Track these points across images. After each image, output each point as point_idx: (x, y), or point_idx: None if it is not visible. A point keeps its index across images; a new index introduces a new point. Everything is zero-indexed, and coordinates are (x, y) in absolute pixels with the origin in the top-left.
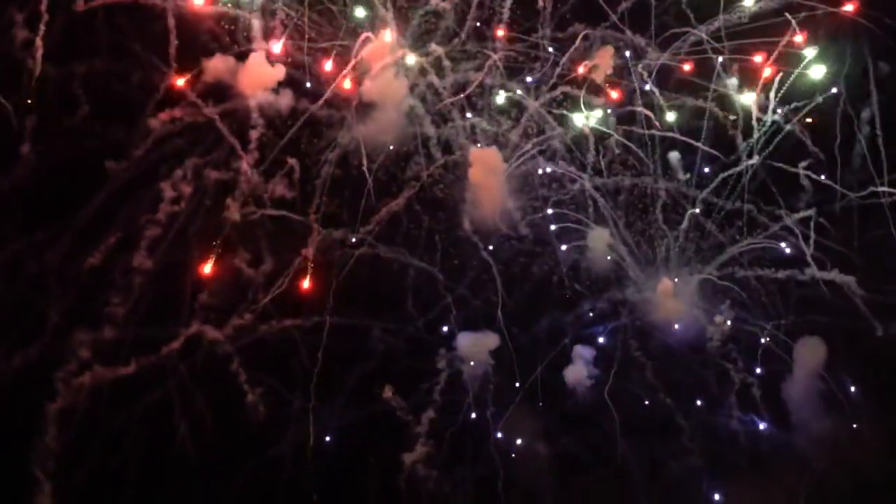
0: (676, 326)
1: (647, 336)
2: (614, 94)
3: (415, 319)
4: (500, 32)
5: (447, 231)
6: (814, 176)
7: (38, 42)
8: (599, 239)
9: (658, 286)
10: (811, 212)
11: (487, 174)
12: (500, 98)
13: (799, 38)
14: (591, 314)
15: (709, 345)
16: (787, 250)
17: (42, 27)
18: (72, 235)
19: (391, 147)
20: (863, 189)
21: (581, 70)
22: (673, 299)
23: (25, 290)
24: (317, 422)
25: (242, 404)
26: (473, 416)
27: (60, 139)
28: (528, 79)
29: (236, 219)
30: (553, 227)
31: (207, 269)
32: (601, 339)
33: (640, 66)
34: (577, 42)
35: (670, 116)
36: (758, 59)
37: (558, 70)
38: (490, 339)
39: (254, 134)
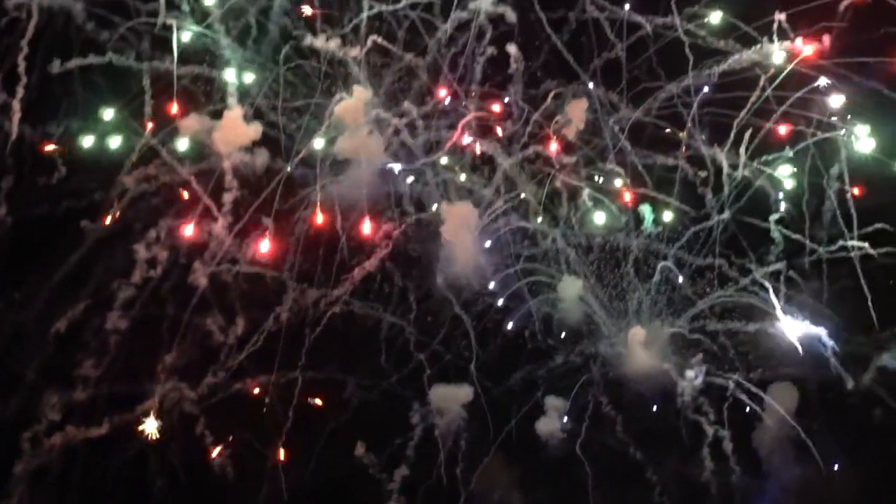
0: (648, 379)
1: (620, 388)
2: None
3: (388, 374)
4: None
5: (420, 287)
6: (784, 231)
7: (16, 105)
8: (571, 287)
9: (629, 333)
10: (781, 265)
11: (460, 230)
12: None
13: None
14: (563, 366)
15: (680, 399)
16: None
17: (20, 89)
18: (46, 295)
19: (364, 205)
20: (832, 243)
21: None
22: (644, 349)
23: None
24: (289, 479)
25: (215, 462)
26: (446, 470)
27: (36, 200)
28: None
29: (202, 283)
30: (524, 281)
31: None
32: (573, 392)
33: (611, 121)
34: (548, 100)
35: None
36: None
37: (529, 128)
38: (463, 392)
39: (228, 196)
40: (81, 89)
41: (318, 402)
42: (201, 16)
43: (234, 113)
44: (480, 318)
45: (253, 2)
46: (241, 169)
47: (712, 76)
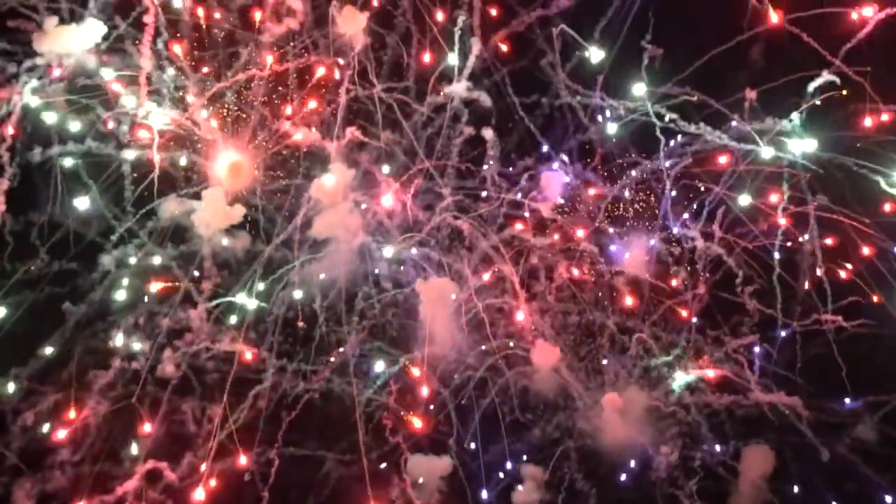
0: (623, 450)
1: (597, 459)
2: None
3: (368, 450)
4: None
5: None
6: (757, 305)
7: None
8: (546, 356)
9: (605, 399)
10: (755, 338)
11: (438, 306)
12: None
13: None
14: (541, 438)
15: (654, 473)
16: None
17: (3, 181)
18: (28, 379)
19: (341, 284)
20: (806, 317)
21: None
22: (620, 417)
23: None
24: None
25: None
26: None
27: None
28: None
29: (172, 374)
30: (499, 355)
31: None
32: (551, 463)
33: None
34: (523, 180)
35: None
36: None
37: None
38: (442, 464)
39: (206, 285)
40: (62, 176)
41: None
42: (181, 101)
43: (216, 194)
44: (458, 392)
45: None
46: (220, 253)
47: (684, 156)
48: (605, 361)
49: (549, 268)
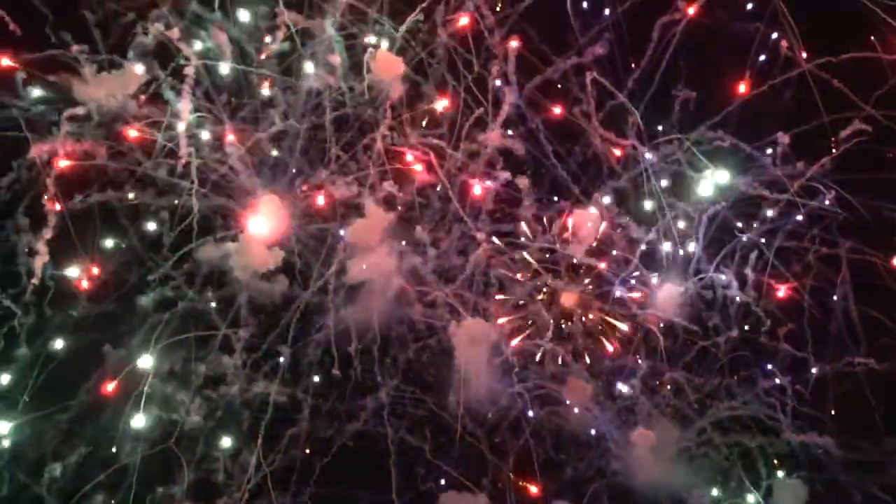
0: (656, 489)
1: (628, 497)
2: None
3: (402, 492)
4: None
5: (433, 407)
6: (790, 347)
7: (42, 247)
8: (577, 392)
9: (636, 434)
10: (787, 380)
11: (472, 347)
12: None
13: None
14: (574, 475)
15: None
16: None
17: (47, 232)
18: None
19: (377, 329)
20: (838, 359)
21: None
22: (651, 454)
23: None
24: None
25: None
26: None
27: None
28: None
29: (196, 423)
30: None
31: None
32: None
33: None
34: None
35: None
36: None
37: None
38: (479, 501)
39: (244, 333)
40: (101, 224)
41: None
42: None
43: (254, 238)
44: (491, 433)
45: (271, 136)
46: (257, 298)
47: (719, 204)
48: (637, 401)
49: (582, 309)
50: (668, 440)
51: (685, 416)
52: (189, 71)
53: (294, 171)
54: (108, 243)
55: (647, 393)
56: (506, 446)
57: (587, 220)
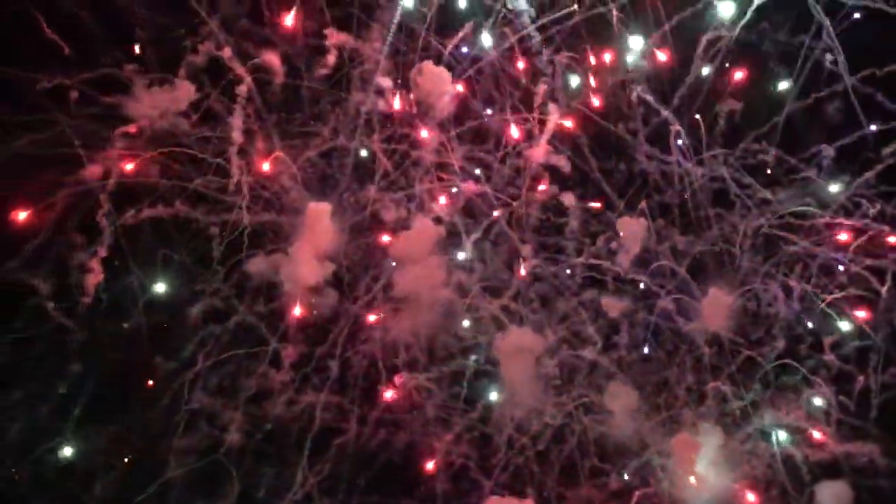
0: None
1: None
2: None
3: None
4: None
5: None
6: (835, 359)
7: (95, 265)
8: (620, 398)
9: (677, 439)
10: (832, 390)
11: (518, 358)
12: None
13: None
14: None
15: None
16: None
17: (101, 250)
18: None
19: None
20: (884, 371)
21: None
22: (694, 461)
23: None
24: None
25: None
26: None
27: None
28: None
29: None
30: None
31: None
32: None
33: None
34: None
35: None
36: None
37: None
38: None
39: (292, 350)
40: (153, 238)
41: None
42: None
43: (304, 251)
44: (535, 441)
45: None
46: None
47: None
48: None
49: (629, 317)
50: (711, 446)
51: (729, 424)
52: (241, 90)
53: (343, 186)
54: (160, 257)
55: (691, 402)
56: (550, 455)
57: (633, 231)
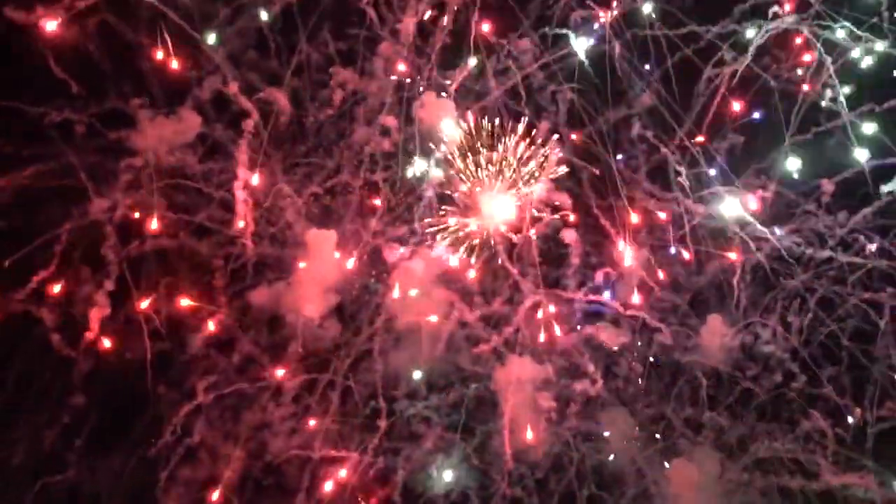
0: None
1: None
2: None
3: None
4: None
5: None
6: (831, 392)
7: (100, 298)
8: (617, 422)
9: (673, 465)
10: (828, 423)
11: (517, 387)
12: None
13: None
14: None
15: None
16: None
17: (106, 282)
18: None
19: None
20: (879, 408)
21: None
22: (690, 488)
23: None
24: None
25: None
26: None
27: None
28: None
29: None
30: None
31: None
32: None
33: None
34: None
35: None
36: None
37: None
38: None
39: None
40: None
41: None
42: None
43: (306, 279)
44: (533, 469)
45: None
46: (309, 343)
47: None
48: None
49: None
50: (708, 475)
51: (725, 455)
52: (247, 124)
53: (346, 219)
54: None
55: (688, 433)
56: (549, 484)
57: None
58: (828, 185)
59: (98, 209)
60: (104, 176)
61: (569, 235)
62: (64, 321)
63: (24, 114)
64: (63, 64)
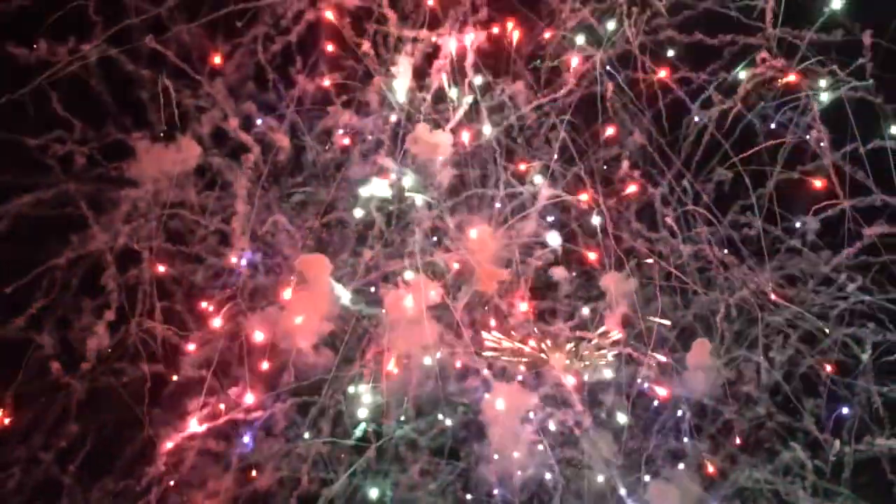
0: None
1: None
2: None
3: None
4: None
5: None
6: (811, 426)
7: (99, 329)
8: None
9: (653, 486)
10: (806, 455)
11: (503, 413)
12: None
13: None
14: None
15: None
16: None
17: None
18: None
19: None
20: (858, 441)
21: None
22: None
23: None
24: None
25: None
26: None
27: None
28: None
29: None
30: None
31: None
32: None
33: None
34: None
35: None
36: None
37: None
38: None
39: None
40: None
41: None
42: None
43: (300, 309)
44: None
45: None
46: (301, 370)
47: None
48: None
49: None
50: (688, 498)
51: (706, 482)
52: (246, 158)
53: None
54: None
55: (669, 459)
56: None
57: (620, 289)
58: (812, 222)
59: (98, 238)
60: (103, 205)
61: (558, 272)
62: (62, 348)
63: (23, 145)
64: (64, 97)
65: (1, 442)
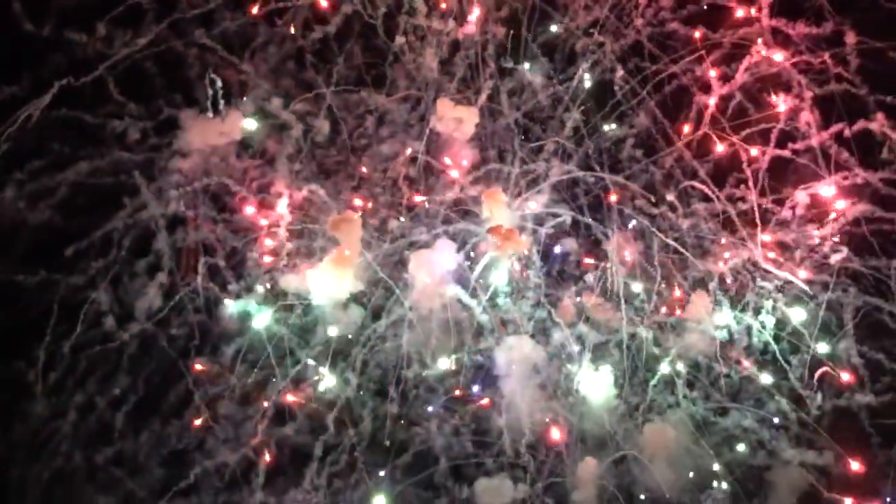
0: None
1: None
2: None
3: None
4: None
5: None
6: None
7: (152, 291)
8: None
9: (647, 430)
10: (790, 407)
11: (516, 364)
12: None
13: None
14: None
15: None
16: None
17: (159, 275)
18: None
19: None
20: (838, 398)
21: None
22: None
23: None
24: None
25: None
26: None
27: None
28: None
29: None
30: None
31: None
32: None
33: None
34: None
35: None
36: None
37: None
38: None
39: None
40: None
41: None
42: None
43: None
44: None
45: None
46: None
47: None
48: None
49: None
50: (680, 441)
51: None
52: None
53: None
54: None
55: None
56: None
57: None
58: (802, 196)
59: (150, 205)
60: (154, 174)
61: (567, 243)
62: (117, 306)
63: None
64: (118, 79)
65: (59, 390)
